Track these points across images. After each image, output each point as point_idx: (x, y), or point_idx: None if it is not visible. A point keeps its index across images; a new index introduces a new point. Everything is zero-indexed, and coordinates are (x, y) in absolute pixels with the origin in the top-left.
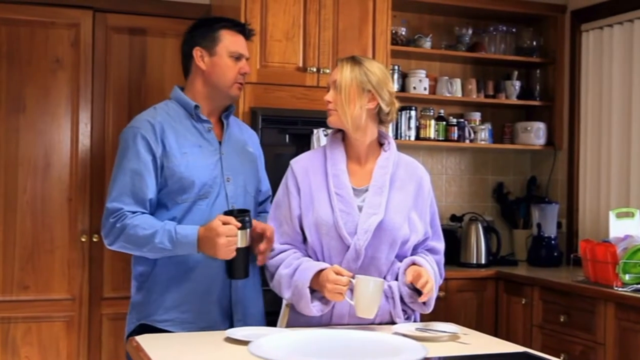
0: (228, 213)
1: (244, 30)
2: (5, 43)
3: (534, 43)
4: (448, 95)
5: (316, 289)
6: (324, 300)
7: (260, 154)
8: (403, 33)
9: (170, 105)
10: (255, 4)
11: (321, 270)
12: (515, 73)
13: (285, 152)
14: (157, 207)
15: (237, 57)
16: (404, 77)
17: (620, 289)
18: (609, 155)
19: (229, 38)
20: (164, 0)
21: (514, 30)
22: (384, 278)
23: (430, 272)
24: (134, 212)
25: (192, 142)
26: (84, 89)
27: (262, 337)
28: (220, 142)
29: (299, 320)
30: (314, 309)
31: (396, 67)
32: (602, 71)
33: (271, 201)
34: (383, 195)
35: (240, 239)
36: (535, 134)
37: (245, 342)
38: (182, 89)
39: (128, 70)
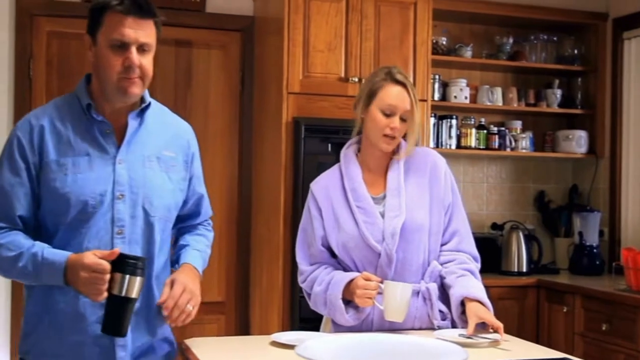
0: (120, 258)
1: (133, 8)
2: (57, 55)
3: (575, 51)
4: (489, 104)
5: (349, 298)
6: (358, 308)
7: (194, 158)
8: (444, 42)
9: (69, 100)
10: (298, 15)
11: (352, 280)
12: (557, 81)
13: (328, 161)
14: (41, 229)
15: (120, 46)
16: (444, 86)
17: None
18: None
19: (110, 22)
20: (209, 12)
21: (555, 38)
22: (422, 280)
23: (487, 303)
24: (1, 229)
25: (79, 150)
26: None
27: (308, 340)
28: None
29: (340, 329)
30: (350, 318)
31: (437, 76)
32: None
33: (209, 224)
34: (401, 196)
35: (123, 285)
36: (577, 142)
37: (290, 346)
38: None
39: (174, 80)
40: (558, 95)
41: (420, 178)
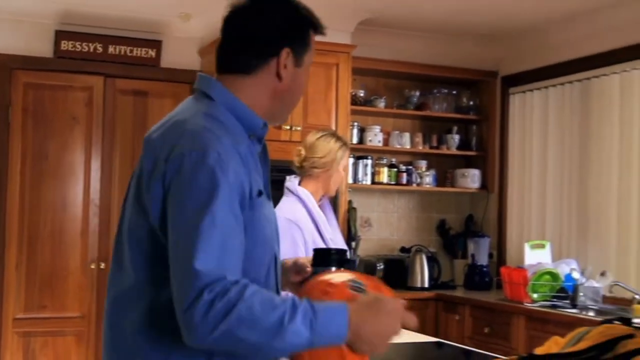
0: (320, 253)
1: (322, 32)
2: (32, 103)
3: (471, 103)
4: (399, 146)
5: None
6: None
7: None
8: (361, 95)
9: (225, 120)
10: None
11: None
12: (455, 128)
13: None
14: None
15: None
16: (362, 131)
17: (529, 305)
18: (530, 197)
19: (312, 45)
20: (162, 67)
21: (454, 92)
22: None
23: None
24: (236, 283)
25: (260, 183)
26: (96, 142)
27: None
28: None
29: None
30: None
31: (355, 123)
32: (525, 127)
33: None
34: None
35: None
36: (472, 179)
37: None
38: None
39: (132, 126)
40: (456, 140)
41: None
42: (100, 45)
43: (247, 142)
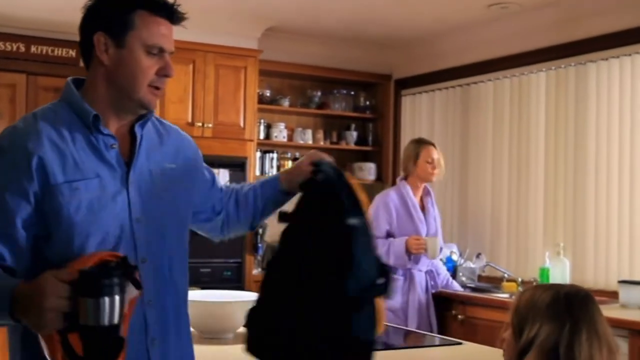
0: (100, 266)
1: (170, 13)
2: None
3: (368, 103)
4: (302, 142)
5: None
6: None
7: (195, 158)
8: (268, 94)
9: (59, 112)
10: None
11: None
12: (353, 125)
13: None
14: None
15: (156, 52)
16: (268, 127)
17: None
18: None
19: (147, 24)
20: (81, 66)
21: (352, 92)
22: None
23: None
24: None
25: (87, 169)
26: None
27: None
28: (127, 165)
29: None
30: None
31: (262, 120)
32: (415, 125)
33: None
34: None
35: (87, 310)
36: (368, 171)
37: None
38: (79, 84)
39: None
40: (354, 136)
41: None
42: (23, 44)
43: (83, 131)
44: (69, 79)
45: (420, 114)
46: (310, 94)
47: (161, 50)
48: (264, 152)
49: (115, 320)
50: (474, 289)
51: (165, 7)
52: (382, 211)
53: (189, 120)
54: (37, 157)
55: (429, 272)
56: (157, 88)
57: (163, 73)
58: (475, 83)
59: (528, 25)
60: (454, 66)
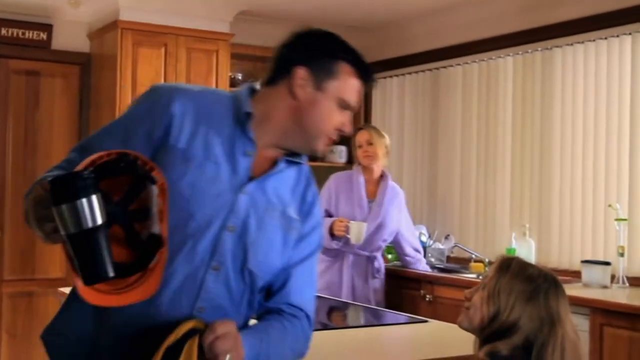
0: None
1: (367, 76)
2: None
3: None
4: None
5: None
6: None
7: (311, 241)
8: (239, 77)
9: (222, 97)
10: (127, 58)
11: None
12: None
13: None
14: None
15: (345, 107)
16: None
17: (386, 264)
18: (389, 170)
19: (347, 79)
20: (52, 49)
21: None
22: None
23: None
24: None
25: (211, 153)
26: None
27: None
28: (250, 179)
29: None
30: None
31: None
32: (385, 109)
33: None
34: None
35: (65, 219)
36: (339, 154)
37: None
38: (252, 92)
39: (25, 103)
40: None
41: None
42: None
43: (230, 125)
44: (247, 85)
45: (390, 98)
46: None
47: (348, 107)
48: None
49: (99, 220)
50: (442, 270)
51: (367, 70)
52: (324, 191)
53: None
54: (172, 115)
55: (371, 258)
56: (331, 140)
57: (342, 128)
58: (444, 67)
59: (497, 11)
60: (424, 50)
